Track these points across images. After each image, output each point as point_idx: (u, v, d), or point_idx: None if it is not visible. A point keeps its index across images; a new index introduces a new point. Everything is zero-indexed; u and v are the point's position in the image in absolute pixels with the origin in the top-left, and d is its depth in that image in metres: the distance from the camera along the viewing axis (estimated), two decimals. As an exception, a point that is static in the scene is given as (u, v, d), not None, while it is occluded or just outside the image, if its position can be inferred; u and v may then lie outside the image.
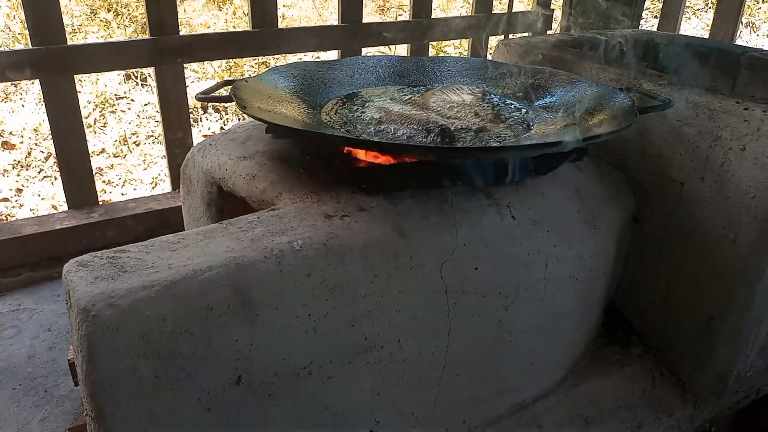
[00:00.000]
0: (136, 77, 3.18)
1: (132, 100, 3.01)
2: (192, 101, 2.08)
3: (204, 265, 0.70)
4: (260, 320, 0.72)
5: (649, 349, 1.18)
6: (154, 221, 1.46)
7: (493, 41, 1.79)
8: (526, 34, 1.87)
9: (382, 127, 1.01)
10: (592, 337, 1.18)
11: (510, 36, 1.63)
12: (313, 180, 0.90)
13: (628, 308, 1.23)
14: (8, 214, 2.12)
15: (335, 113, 1.07)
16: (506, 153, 0.90)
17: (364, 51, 1.67)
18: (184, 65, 1.43)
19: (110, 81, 3.06)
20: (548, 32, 1.91)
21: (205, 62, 2.69)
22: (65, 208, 1.45)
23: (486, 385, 0.98)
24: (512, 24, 1.83)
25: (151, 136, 2.77)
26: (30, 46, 1.24)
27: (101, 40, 3.13)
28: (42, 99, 1.35)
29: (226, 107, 2.85)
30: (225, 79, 1.08)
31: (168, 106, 1.45)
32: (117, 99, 2.94)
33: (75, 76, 1.32)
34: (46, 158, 2.47)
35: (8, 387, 1.05)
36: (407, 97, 1.16)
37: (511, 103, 1.14)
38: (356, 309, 0.79)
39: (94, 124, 2.74)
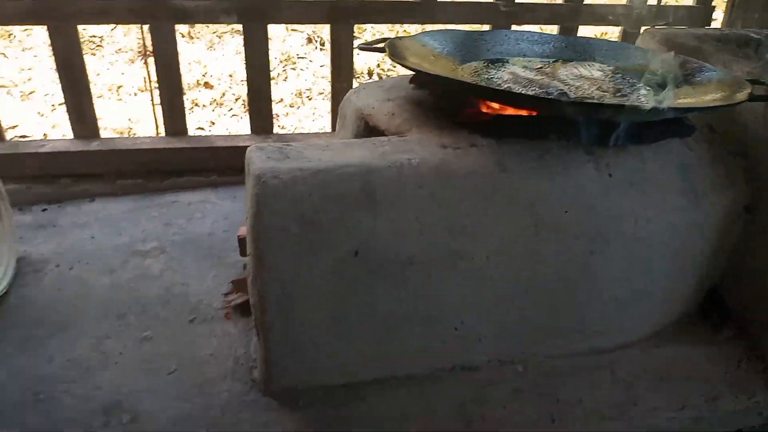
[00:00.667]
0: (316, 41, 3.58)
1: (310, 61, 3.41)
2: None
3: (343, 162, 0.93)
4: (379, 213, 0.93)
5: (742, 335, 1.21)
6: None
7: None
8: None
9: (507, 86, 1.16)
10: (685, 310, 1.23)
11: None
12: (439, 121, 1.09)
13: (730, 295, 1.26)
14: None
15: (470, 73, 1.24)
16: (600, 110, 1.00)
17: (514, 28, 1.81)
18: (355, 25, 1.68)
19: (294, 42, 3.49)
20: (705, 27, 1.89)
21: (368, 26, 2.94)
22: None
23: (566, 321, 1.11)
24: (665, 15, 1.84)
25: (322, 93, 3.14)
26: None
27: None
28: (238, 48, 1.66)
29: (387, 70, 3.15)
30: (382, 38, 1.30)
31: (338, 59, 1.72)
32: (298, 58, 3.36)
33: (268, 26, 1.64)
34: (236, 99, 2.94)
35: (193, 253, 1.39)
36: (538, 67, 1.30)
37: (636, 83, 1.23)
38: (455, 222, 0.97)
39: (278, 77, 3.18)
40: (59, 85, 1.58)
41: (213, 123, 2.76)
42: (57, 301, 1.23)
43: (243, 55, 1.71)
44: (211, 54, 3.30)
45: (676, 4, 1.90)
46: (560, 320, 1.10)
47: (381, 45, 1.22)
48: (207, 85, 3.03)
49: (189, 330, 1.17)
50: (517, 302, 1.06)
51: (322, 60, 3.46)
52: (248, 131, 1.81)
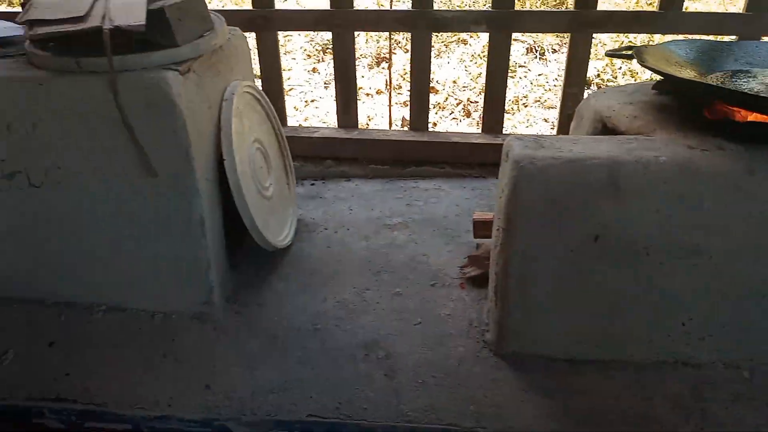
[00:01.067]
0: (536, 51, 3.68)
1: (529, 70, 3.53)
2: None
3: (592, 154, 1.05)
4: (622, 203, 1.03)
5: None
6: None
7: None
8: None
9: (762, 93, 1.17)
10: None
11: None
12: (684, 123, 1.14)
13: None
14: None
15: (718, 80, 1.27)
16: None
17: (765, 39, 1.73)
18: (593, 35, 1.77)
19: (515, 52, 3.63)
20: None
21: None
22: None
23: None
24: None
25: (538, 100, 3.24)
26: (487, 8, 1.76)
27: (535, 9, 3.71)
28: (462, 57, 1.83)
29: (607, 80, 3.13)
30: (628, 44, 1.38)
31: (573, 65, 1.82)
32: (518, 66, 3.50)
33: (512, 34, 1.80)
34: (458, 104, 3.18)
35: (430, 230, 1.62)
36: (790, 77, 1.27)
37: None
38: (696, 218, 1.03)
39: (495, 83, 3.37)
40: (310, 84, 1.93)
41: (435, 124, 3.02)
42: (327, 255, 1.53)
43: (467, 62, 1.90)
44: (438, 62, 3.59)
45: None
46: (800, 330, 1.09)
47: (629, 52, 1.31)
48: (432, 89, 3.32)
49: (431, 292, 1.38)
50: (751, 305, 1.08)
51: (539, 69, 3.55)
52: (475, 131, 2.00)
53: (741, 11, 1.74)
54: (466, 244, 1.53)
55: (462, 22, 1.80)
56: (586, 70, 1.83)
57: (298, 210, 1.71)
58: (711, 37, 1.69)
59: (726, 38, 1.73)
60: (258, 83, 1.68)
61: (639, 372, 1.14)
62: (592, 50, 1.81)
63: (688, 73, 1.28)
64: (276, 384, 1.16)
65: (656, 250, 1.05)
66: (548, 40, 3.73)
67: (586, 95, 1.56)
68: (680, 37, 1.69)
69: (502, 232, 1.12)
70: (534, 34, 3.63)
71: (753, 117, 1.10)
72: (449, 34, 3.63)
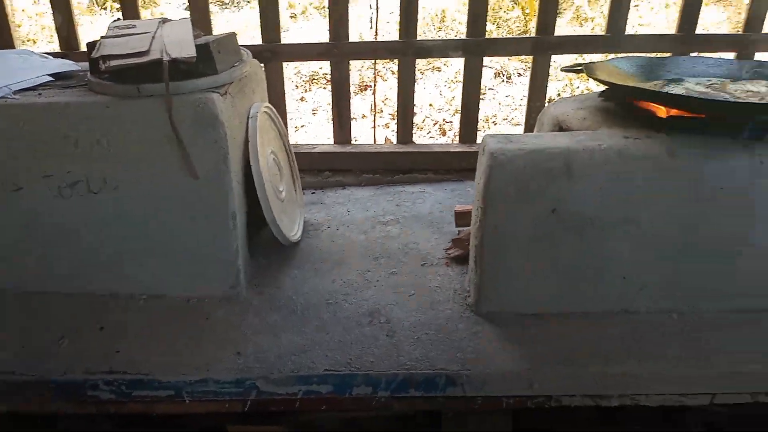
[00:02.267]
0: (503, 75, 4.04)
1: (497, 92, 3.88)
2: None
3: (550, 146, 1.34)
4: (573, 182, 1.31)
5: None
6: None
7: None
8: None
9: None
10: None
11: None
12: (622, 120, 1.44)
13: None
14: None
15: (653, 87, 1.57)
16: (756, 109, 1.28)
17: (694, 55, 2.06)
18: (553, 57, 2.09)
19: (484, 76, 3.98)
20: None
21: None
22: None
23: (717, 282, 1.38)
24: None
25: (506, 119, 3.58)
26: (464, 37, 2.08)
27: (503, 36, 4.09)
28: (437, 82, 2.10)
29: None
30: (579, 62, 1.68)
31: (535, 82, 2.13)
32: (488, 89, 3.84)
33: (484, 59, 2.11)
34: (434, 124, 3.50)
35: (419, 224, 1.90)
36: (710, 83, 1.58)
37: (800, 94, 1.46)
38: (630, 192, 1.32)
39: (468, 106, 3.69)
40: (299, 111, 2.21)
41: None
42: (332, 247, 1.79)
43: (441, 87, 2.21)
44: (415, 87, 3.92)
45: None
46: (712, 281, 1.37)
47: (580, 67, 1.61)
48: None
49: (422, 270, 1.64)
50: (675, 264, 1.36)
51: (507, 91, 3.90)
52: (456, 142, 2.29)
53: (674, 32, 2.08)
54: (450, 233, 1.80)
55: (442, 49, 2.11)
56: (547, 86, 2.14)
57: (305, 213, 1.96)
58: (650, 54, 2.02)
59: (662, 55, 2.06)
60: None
61: (591, 320, 1.41)
62: (552, 71, 2.13)
63: (628, 83, 1.59)
64: (297, 347, 1.39)
65: (600, 219, 1.33)
66: (513, 65, 4.10)
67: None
68: (623, 55, 2.02)
69: (479, 211, 1.39)
70: (501, 61, 4.00)
71: (673, 112, 1.40)
72: (425, 62, 3.97)
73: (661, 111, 1.42)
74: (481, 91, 2.19)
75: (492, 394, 1.33)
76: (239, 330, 1.45)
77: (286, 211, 1.75)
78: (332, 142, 2.29)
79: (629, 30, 2.04)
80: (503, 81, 4.00)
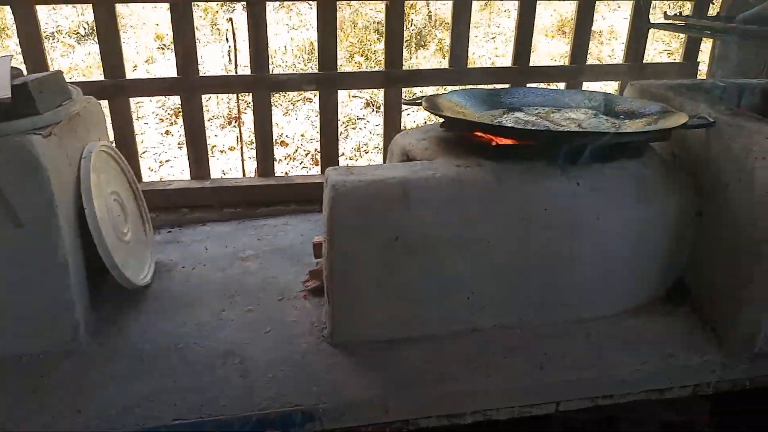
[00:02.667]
0: (373, 105, 4.16)
1: (368, 121, 3.98)
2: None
3: (388, 176, 1.38)
4: (412, 208, 1.37)
5: (697, 311, 1.54)
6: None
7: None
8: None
9: (509, 124, 1.60)
10: (653, 293, 1.58)
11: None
12: (458, 150, 1.53)
13: (690, 281, 1.60)
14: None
15: (486, 118, 1.69)
16: (559, 137, 1.41)
17: (531, 86, 2.25)
18: (403, 89, 2.18)
19: (355, 106, 4.08)
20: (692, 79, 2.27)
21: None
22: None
23: (551, 294, 1.49)
24: (657, 72, 2.24)
25: (377, 147, 3.67)
26: (316, 71, 2.11)
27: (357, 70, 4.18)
28: (308, 113, 2.18)
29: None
30: (421, 95, 1.77)
31: (390, 114, 2.22)
32: (358, 119, 3.93)
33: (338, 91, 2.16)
34: (306, 154, 3.51)
35: (279, 257, 1.87)
36: (536, 112, 1.73)
37: (609, 120, 1.64)
38: (466, 216, 1.39)
39: (340, 135, 3.75)
40: (164, 145, 2.15)
41: (287, 174, 3.31)
42: (186, 287, 1.71)
43: (312, 118, 2.24)
44: (287, 118, 3.92)
45: (669, 61, 2.29)
46: (547, 294, 1.48)
47: (419, 100, 1.69)
48: (283, 143, 3.63)
49: (279, 305, 1.62)
50: (513, 279, 1.45)
51: (377, 120, 4.02)
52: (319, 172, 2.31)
53: (510, 65, 2.26)
54: (309, 265, 1.79)
55: (297, 83, 2.13)
56: (400, 116, 2.23)
57: (158, 254, 1.87)
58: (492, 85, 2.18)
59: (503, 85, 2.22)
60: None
61: (441, 341, 1.46)
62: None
63: (465, 114, 1.69)
64: (142, 397, 1.31)
65: (440, 243, 1.39)
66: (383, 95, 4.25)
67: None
68: (467, 87, 2.15)
69: (327, 243, 1.40)
70: (371, 91, 4.11)
71: (501, 141, 1.51)
72: (296, 93, 4.00)
73: (491, 140, 1.53)
74: (351, 121, 2.23)
75: (350, 425, 1.33)
76: (80, 386, 1.34)
77: (132, 254, 1.66)
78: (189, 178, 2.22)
79: (486, 62, 2.19)
80: (373, 110, 4.12)
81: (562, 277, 1.47)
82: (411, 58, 4.80)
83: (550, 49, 4.85)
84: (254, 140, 2.21)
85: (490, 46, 5.11)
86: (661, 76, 2.31)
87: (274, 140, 2.21)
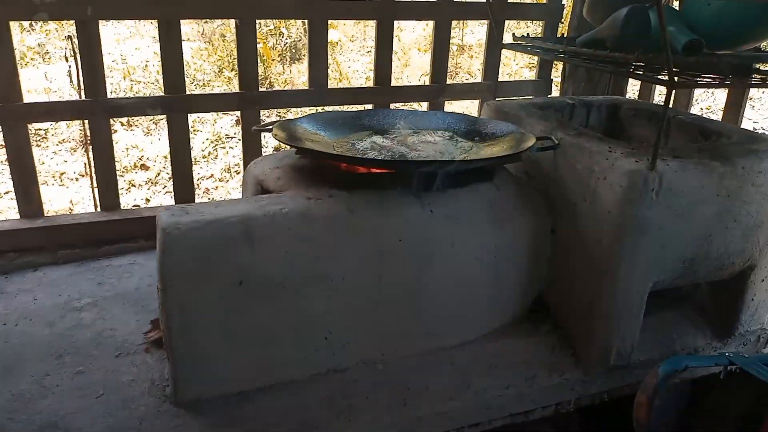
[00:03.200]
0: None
1: (238, 140, 3.79)
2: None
3: (229, 214, 1.26)
4: (257, 248, 1.25)
5: (556, 329, 1.56)
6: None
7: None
8: (528, 97, 2.34)
9: (365, 152, 1.53)
10: (515, 313, 1.58)
11: (510, 98, 2.11)
12: (310, 180, 1.43)
13: (549, 299, 1.62)
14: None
15: (341, 143, 1.61)
16: (401, 165, 1.37)
17: (392, 106, 2.22)
18: (261, 111, 2.06)
19: (225, 124, 3.87)
20: (548, 96, 2.35)
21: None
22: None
23: (412, 326, 1.43)
24: (513, 89, 2.30)
25: (249, 168, 3.51)
26: (163, 94, 1.93)
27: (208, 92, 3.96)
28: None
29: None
30: (274, 120, 1.66)
31: (248, 139, 2.08)
32: (227, 138, 3.73)
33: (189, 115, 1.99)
34: (170, 178, 3.25)
35: (120, 303, 1.66)
36: (393, 136, 1.68)
37: (464, 142, 1.62)
38: (317, 253, 1.30)
39: (209, 155, 3.52)
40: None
41: (148, 200, 3.05)
42: (3, 350, 1.47)
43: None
44: (148, 139, 3.63)
45: (524, 79, 2.37)
46: (407, 326, 1.42)
47: (272, 126, 1.58)
48: (143, 167, 3.35)
49: (115, 363, 1.43)
50: (371, 313, 1.38)
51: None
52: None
53: (372, 86, 2.21)
54: (156, 311, 1.61)
55: (138, 107, 1.93)
56: (260, 141, 2.10)
57: (-29, 310, 1.60)
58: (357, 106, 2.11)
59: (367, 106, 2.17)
60: None
61: (300, 387, 1.35)
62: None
63: (319, 140, 1.60)
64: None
65: (291, 282, 1.28)
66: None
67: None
68: (330, 108, 2.07)
69: (161, 292, 1.24)
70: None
71: (353, 169, 1.43)
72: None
73: (344, 167, 1.45)
74: (221, 139, 2.06)
75: (198, 494, 1.18)
76: None
77: (-70, 316, 1.39)
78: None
79: (361, 77, 2.11)
80: (246, 128, 3.95)
81: (422, 307, 1.42)
82: (285, 72, 4.66)
83: (423, 63, 4.91)
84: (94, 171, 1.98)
85: (366, 59, 5.10)
86: (517, 93, 2.37)
87: (126, 166, 2.00)
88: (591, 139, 1.49)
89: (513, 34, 1.88)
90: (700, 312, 1.66)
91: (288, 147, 1.49)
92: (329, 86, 2.11)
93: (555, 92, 2.59)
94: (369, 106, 2.19)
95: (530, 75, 4.93)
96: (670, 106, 1.49)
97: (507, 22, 2.25)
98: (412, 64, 4.85)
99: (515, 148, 1.42)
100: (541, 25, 2.35)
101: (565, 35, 2.18)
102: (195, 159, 3.47)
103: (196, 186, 3.23)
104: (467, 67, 5.00)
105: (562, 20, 2.30)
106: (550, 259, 1.59)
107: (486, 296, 1.49)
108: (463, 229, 1.40)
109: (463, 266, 1.41)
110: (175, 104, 1.94)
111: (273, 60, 4.60)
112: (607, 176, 1.37)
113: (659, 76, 1.41)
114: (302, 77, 4.64)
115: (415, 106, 3.07)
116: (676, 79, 1.24)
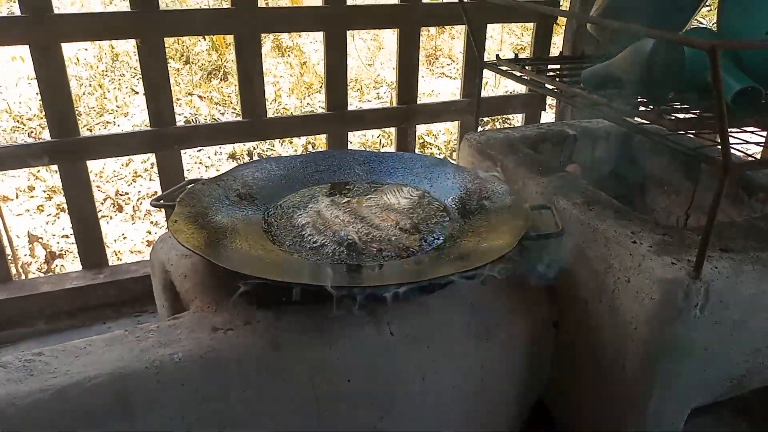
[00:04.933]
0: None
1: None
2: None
3: (94, 372, 0.87)
4: (138, 420, 0.87)
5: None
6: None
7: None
8: (519, 116, 1.93)
9: (304, 233, 1.14)
10: (510, 427, 1.22)
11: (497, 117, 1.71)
12: (221, 290, 1.03)
13: (551, 403, 1.26)
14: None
15: (269, 216, 1.21)
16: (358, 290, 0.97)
17: (351, 135, 1.80)
18: (183, 151, 1.64)
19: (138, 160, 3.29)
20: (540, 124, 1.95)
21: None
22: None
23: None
24: (499, 106, 1.89)
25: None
26: (49, 138, 1.51)
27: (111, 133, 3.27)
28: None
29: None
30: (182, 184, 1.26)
31: (165, 179, 1.66)
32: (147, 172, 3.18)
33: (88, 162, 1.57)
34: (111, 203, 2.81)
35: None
36: (345, 201, 1.28)
37: (439, 211, 1.23)
38: (228, 415, 0.92)
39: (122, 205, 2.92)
40: None
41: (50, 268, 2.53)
42: None
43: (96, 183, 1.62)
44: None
45: (513, 93, 1.97)
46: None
47: (173, 202, 1.18)
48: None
49: None
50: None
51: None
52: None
53: (324, 111, 1.78)
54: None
55: (18, 156, 1.50)
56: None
57: None
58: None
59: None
60: None
61: None
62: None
63: (235, 222, 1.20)
64: None
65: (193, 460, 0.91)
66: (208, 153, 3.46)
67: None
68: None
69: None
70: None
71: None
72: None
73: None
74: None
75: None
76: None
77: None
78: None
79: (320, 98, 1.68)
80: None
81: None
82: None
83: (443, 88, 4.25)
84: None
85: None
86: (504, 111, 1.97)
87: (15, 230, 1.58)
88: (605, 215, 1.11)
89: (497, 55, 1.46)
90: (741, 412, 1.32)
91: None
92: (269, 115, 1.68)
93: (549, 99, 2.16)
94: (322, 137, 1.78)
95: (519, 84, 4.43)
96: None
97: (489, 26, 1.83)
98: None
99: (507, 247, 1.02)
100: (530, 28, 1.92)
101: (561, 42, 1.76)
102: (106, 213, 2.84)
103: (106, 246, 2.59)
104: (448, 50, 4.46)
105: (557, 21, 1.88)
106: (551, 356, 1.23)
107: (472, 422, 1.13)
108: (437, 352, 1.02)
109: (439, 404, 1.04)
110: (68, 151, 1.52)
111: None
112: (632, 279, 1.00)
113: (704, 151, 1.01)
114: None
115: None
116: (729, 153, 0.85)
